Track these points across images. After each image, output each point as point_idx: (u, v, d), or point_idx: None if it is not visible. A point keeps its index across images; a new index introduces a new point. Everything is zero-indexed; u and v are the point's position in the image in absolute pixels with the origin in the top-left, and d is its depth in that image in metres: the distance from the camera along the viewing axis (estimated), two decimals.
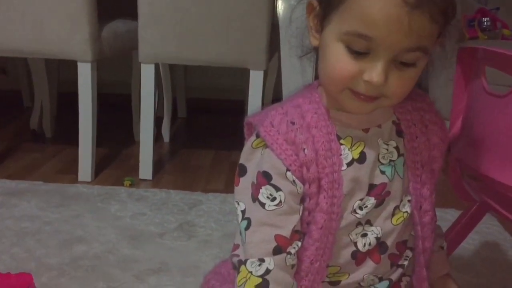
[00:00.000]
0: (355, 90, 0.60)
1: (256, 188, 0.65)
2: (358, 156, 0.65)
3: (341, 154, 0.64)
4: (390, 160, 0.67)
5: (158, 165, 1.79)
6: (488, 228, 1.38)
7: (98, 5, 1.56)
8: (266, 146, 0.64)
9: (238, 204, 0.67)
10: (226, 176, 1.74)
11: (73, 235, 1.26)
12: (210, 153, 1.98)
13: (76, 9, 1.52)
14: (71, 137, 1.72)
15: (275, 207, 0.63)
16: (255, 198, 0.65)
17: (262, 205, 0.64)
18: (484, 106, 0.84)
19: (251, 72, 1.59)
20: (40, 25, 1.54)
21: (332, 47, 0.60)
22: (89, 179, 1.63)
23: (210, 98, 2.68)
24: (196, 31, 1.55)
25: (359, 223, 0.67)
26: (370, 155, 0.66)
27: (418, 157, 0.68)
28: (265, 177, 0.64)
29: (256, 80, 1.60)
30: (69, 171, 1.69)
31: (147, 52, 1.59)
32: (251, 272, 0.64)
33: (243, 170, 0.67)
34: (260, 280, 0.63)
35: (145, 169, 1.68)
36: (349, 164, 0.65)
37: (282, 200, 0.64)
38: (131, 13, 1.62)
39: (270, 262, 0.63)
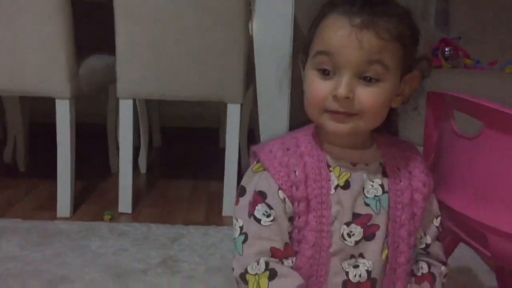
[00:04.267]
0: (330, 109, 0.68)
1: (252, 205, 0.73)
2: (343, 183, 0.73)
3: (330, 180, 0.72)
4: (375, 195, 0.74)
5: (137, 197, 1.80)
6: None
7: (75, 40, 1.58)
8: (264, 170, 0.74)
9: (237, 220, 0.75)
10: (206, 207, 1.76)
11: (57, 275, 1.26)
12: (188, 183, 2.00)
13: (54, 49, 1.54)
14: (45, 171, 1.71)
15: (270, 222, 0.72)
16: (250, 214, 0.73)
17: (258, 220, 0.72)
18: (454, 146, 0.90)
19: (228, 105, 1.63)
20: (19, 64, 1.54)
21: (307, 77, 0.71)
22: (68, 215, 1.63)
23: (184, 126, 2.70)
24: (173, 68, 1.58)
25: (352, 256, 0.73)
26: (354, 185, 0.73)
27: (399, 199, 0.75)
28: (261, 196, 0.73)
29: (233, 113, 1.64)
30: (47, 207, 1.68)
31: (125, 88, 1.61)
32: (256, 274, 0.71)
33: (243, 191, 0.76)
34: (267, 273, 0.70)
35: (125, 203, 1.69)
36: (334, 189, 0.73)
37: (275, 217, 0.72)
38: (107, 47, 1.64)
39: (263, 259, 0.71)
